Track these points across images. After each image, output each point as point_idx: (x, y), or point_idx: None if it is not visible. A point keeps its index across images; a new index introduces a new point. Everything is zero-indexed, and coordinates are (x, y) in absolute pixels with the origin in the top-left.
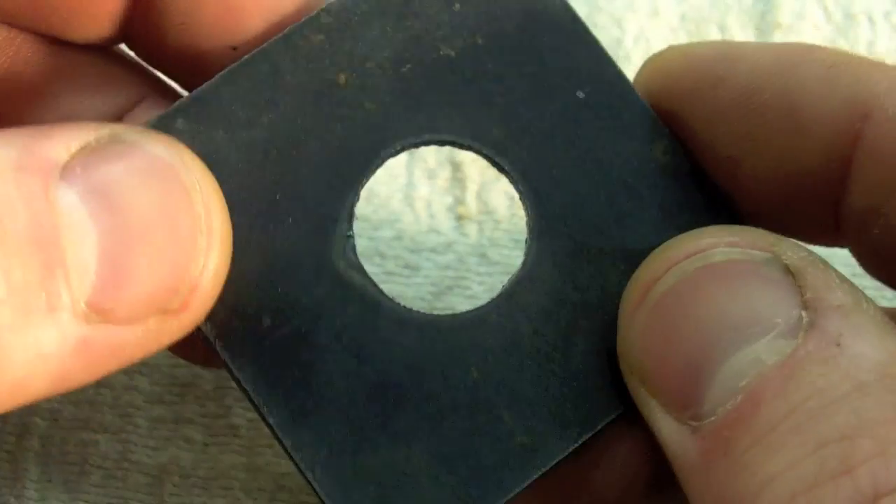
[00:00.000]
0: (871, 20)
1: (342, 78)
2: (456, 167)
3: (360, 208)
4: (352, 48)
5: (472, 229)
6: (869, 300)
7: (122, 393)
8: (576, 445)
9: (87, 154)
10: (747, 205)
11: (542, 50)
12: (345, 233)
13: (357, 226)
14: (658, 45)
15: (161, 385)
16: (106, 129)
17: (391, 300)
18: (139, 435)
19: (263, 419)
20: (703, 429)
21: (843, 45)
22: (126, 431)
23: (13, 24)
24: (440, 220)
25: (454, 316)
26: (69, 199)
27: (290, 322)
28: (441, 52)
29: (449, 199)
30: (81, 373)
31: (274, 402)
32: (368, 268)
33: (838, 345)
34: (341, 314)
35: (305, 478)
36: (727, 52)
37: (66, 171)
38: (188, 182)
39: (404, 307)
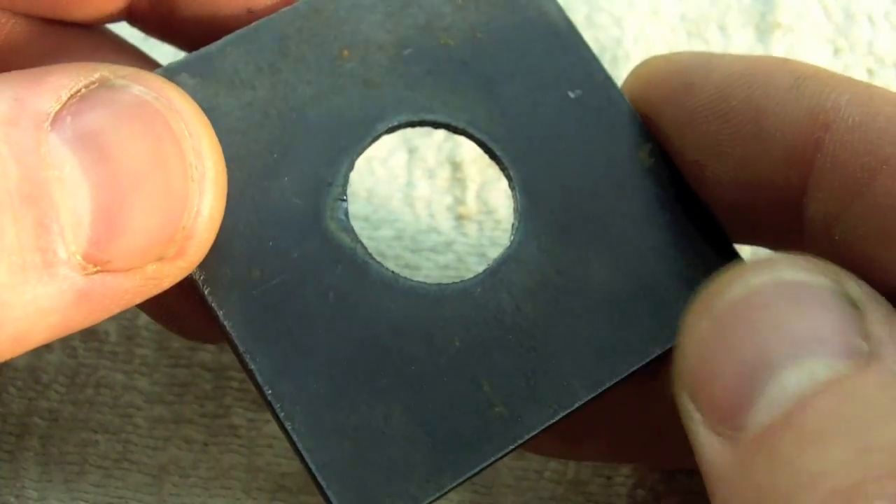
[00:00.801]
0: (871, 20)
1: (345, 53)
2: (456, 167)
3: (360, 208)
4: (356, 28)
5: (472, 229)
6: None
7: (122, 393)
8: (552, 421)
9: (77, 101)
10: (714, 208)
11: (537, 50)
12: (338, 196)
13: (357, 226)
14: (658, 45)
15: (161, 385)
16: (96, 74)
17: (379, 264)
18: (139, 435)
19: (246, 368)
20: (746, 436)
21: (843, 44)
22: (126, 431)
23: (12, 9)
24: (440, 220)
25: (440, 286)
26: (60, 152)
27: (279, 276)
28: (441, 41)
29: (449, 199)
30: (82, 321)
31: (258, 351)
32: None
33: (895, 374)
34: (329, 273)
35: (284, 428)
36: (704, 61)
37: (55, 120)
38: (177, 128)
39: (392, 272)
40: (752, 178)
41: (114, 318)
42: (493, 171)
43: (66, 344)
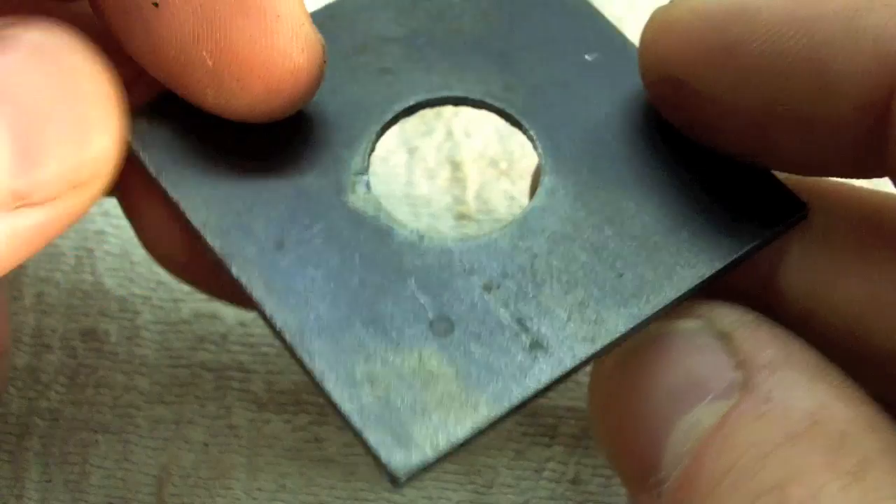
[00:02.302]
0: None
1: (361, 48)
2: (456, 167)
3: None
4: (369, 27)
5: (471, 229)
6: (805, 350)
7: (122, 393)
8: (591, 354)
9: None
10: (777, 165)
11: (550, 23)
12: (359, 171)
13: None
14: None
15: (161, 385)
16: None
17: (403, 226)
18: (139, 435)
19: (274, 331)
20: (663, 495)
21: None
22: (126, 431)
23: None
24: (440, 220)
25: (465, 240)
26: None
27: (304, 245)
28: (453, 26)
29: (449, 199)
30: (15, 257)
31: (286, 314)
32: None
33: (769, 400)
34: (354, 238)
35: (316, 383)
36: (739, 11)
37: None
38: (71, 61)
39: (418, 233)
40: (822, 130)
41: (114, 319)
42: (492, 171)
43: (66, 344)
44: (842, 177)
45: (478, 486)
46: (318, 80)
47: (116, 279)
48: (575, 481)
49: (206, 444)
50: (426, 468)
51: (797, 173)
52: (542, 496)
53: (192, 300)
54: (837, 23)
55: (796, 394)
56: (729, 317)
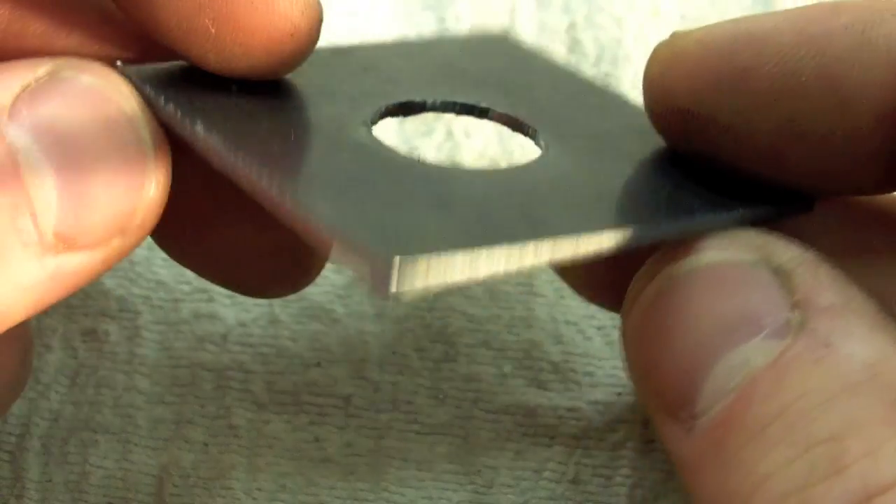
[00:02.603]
0: None
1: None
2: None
3: None
4: (376, 62)
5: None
6: (863, 296)
7: (122, 393)
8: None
9: (30, 94)
10: (795, 186)
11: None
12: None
13: None
14: None
15: (161, 385)
16: (42, 68)
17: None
18: (140, 435)
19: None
20: (697, 429)
21: None
22: (126, 431)
23: None
24: None
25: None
26: (22, 140)
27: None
28: (458, 68)
29: None
30: (54, 297)
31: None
32: None
33: (828, 345)
34: (351, 150)
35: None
36: (745, 36)
37: (13, 112)
38: (128, 108)
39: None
40: (839, 146)
41: (114, 319)
42: None
43: (66, 344)
44: (861, 194)
45: (478, 486)
46: (316, 39)
47: (116, 279)
48: (575, 481)
49: (206, 444)
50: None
51: (811, 193)
52: (542, 496)
53: (192, 300)
54: (848, 37)
55: (856, 342)
56: (788, 253)
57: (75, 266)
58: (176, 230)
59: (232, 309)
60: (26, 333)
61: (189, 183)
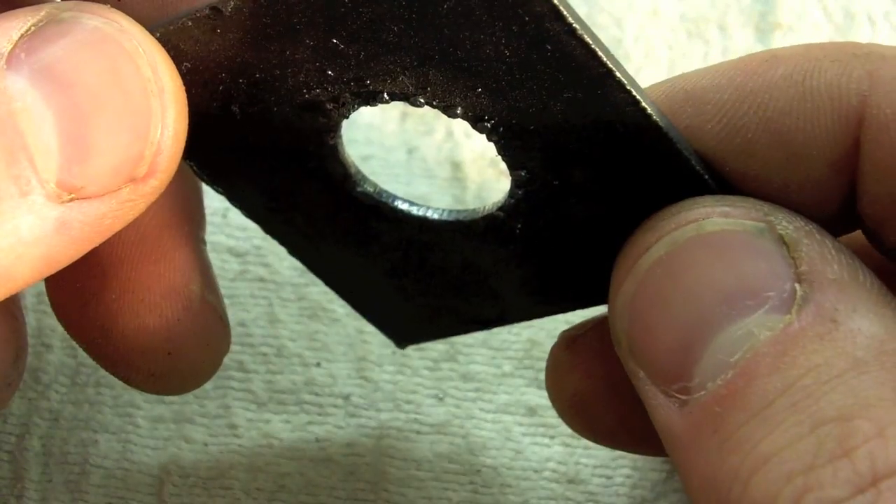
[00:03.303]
0: (871, 20)
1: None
2: (456, 167)
3: None
4: None
5: None
6: (868, 272)
7: (122, 393)
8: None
9: (28, 39)
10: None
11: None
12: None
13: None
14: (658, 45)
15: None
16: (42, 12)
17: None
18: (139, 435)
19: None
20: (692, 403)
21: None
22: (126, 431)
23: None
24: None
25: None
26: (20, 86)
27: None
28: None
29: (449, 199)
30: (66, 252)
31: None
32: None
33: (834, 320)
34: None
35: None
36: (684, 97)
37: (10, 59)
38: (130, 47)
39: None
40: (796, 198)
41: None
42: (492, 171)
43: (66, 344)
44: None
45: (477, 486)
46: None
47: None
48: (575, 481)
49: (205, 444)
50: None
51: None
52: (542, 496)
53: None
54: (790, 89)
55: (863, 317)
56: (794, 223)
57: (84, 218)
58: (67, 300)
59: (231, 309)
60: (18, 333)
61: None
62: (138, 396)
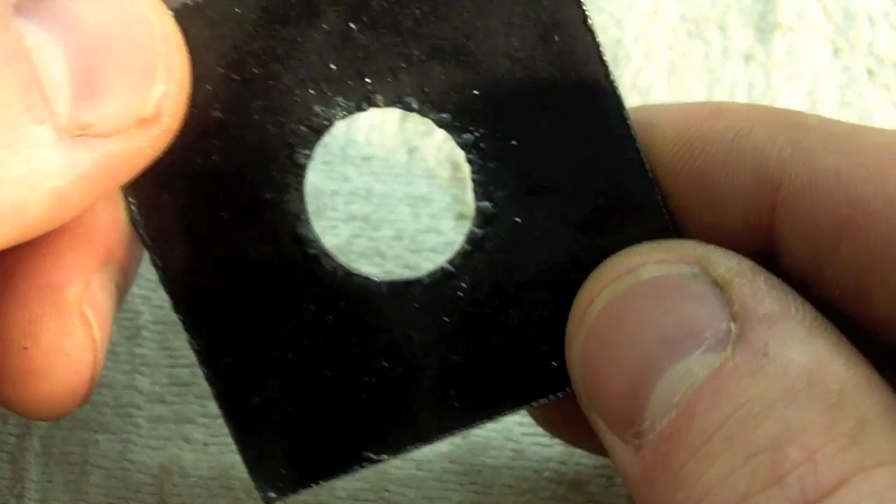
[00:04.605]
0: (871, 20)
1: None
2: (456, 167)
3: (360, 208)
4: None
5: None
6: (801, 303)
7: (122, 393)
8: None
9: None
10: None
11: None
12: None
13: (357, 226)
14: (658, 45)
15: (161, 385)
16: None
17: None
18: (139, 435)
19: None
20: (645, 446)
21: (843, 44)
22: (126, 431)
23: None
24: (440, 219)
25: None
26: (30, 28)
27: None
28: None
29: (449, 199)
30: (78, 193)
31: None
32: (368, 268)
33: (765, 354)
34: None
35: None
36: (640, 123)
37: (20, 6)
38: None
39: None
40: (724, 241)
41: (114, 319)
42: None
43: None
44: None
45: (478, 487)
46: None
47: None
48: (575, 482)
49: (205, 444)
50: None
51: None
52: (543, 496)
53: None
54: (721, 143)
55: (793, 349)
56: (726, 264)
57: (94, 155)
58: None
59: None
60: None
61: None
62: (138, 397)
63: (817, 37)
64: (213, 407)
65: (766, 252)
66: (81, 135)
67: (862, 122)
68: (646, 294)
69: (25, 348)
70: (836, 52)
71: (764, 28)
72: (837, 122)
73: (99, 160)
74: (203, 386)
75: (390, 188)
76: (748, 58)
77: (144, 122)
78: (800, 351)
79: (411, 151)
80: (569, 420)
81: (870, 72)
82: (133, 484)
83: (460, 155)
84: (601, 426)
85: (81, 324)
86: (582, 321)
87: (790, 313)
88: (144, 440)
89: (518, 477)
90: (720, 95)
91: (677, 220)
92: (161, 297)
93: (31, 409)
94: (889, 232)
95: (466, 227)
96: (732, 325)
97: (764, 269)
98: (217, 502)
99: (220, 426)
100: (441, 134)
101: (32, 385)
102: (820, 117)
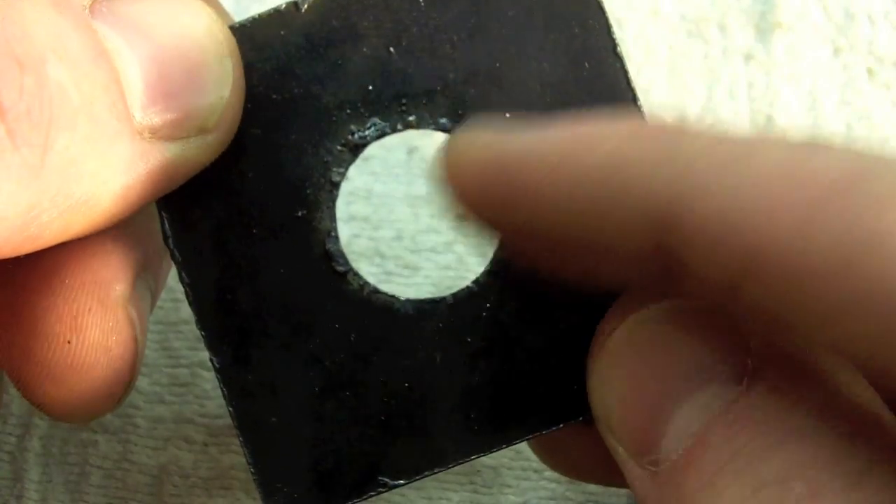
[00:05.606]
0: (871, 20)
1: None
2: None
3: (360, 208)
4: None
5: (472, 229)
6: None
7: None
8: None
9: None
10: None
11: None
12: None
13: (357, 226)
14: (658, 45)
15: (161, 385)
16: None
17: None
18: (139, 435)
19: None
20: (661, 473)
21: (843, 44)
22: (126, 431)
23: None
24: (440, 219)
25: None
26: (107, 31)
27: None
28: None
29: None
30: (139, 192)
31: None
32: (368, 268)
33: (778, 390)
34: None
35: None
36: (508, 161)
37: (93, 9)
38: (206, 13)
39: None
40: (613, 272)
41: None
42: None
43: None
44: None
45: (478, 486)
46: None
47: None
48: (575, 481)
49: (205, 444)
50: None
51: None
52: (543, 496)
53: None
54: (603, 175)
55: (806, 386)
56: None
57: (159, 157)
58: None
59: None
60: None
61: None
62: (138, 397)
63: (817, 36)
64: (212, 407)
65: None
66: (151, 138)
67: (862, 122)
68: (668, 324)
69: (69, 342)
70: (836, 51)
71: (764, 28)
72: (726, 139)
73: (162, 163)
74: (203, 386)
75: (390, 188)
76: (748, 57)
77: (205, 130)
78: (812, 389)
79: (411, 151)
80: (565, 450)
81: (870, 71)
82: (133, 484)
83: None
84: (620, 452)
85: (125, 322)
86: (604, 347)
87: (802, 352)
88: (144, 440)
89: (518, 477)
90: (720, 95)
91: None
92: (161, 298)
93: (67, 407)
94: (784, 285)
95: (467, 226)
96: (749, 361)
97: None
98: (217, 502)
99: (220, 427)
100: (441, 134)
101: (73, 381)
102: (708, 136)
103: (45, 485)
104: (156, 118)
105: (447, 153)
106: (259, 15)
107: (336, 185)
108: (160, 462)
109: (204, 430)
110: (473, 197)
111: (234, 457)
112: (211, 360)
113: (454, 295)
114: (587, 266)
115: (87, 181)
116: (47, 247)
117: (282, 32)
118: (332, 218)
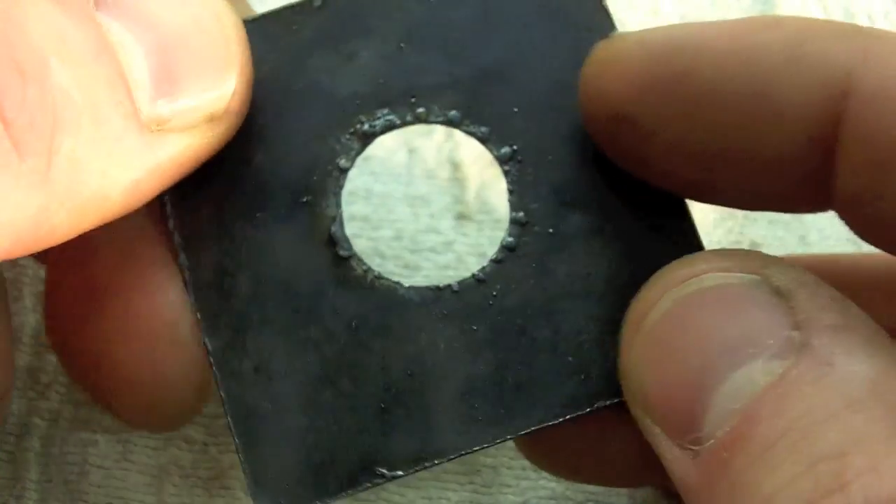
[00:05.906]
0: (871, 20)
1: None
2: (456, 167)
3: (360, 208)
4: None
5: (471, 229)
6: (863, 317)
7: None
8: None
9: None
10: (724, 196)
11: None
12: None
13: (356, 226)
14: None
15: None
16: None
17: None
18: (139, 435)
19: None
20: (704, 453)
21: None
22: (126, 431)
23: None
24: (440, 219)
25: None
26: (111, 24)
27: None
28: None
29: (449, 199)
30: (149, 184)
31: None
32: None
33: (830, 363)
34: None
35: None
36: (684, 42)
37: (99, 3)
38: (213, 3)
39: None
40: (770, 162)
41: None
42: (492, 171)
43: None
44: (785, 211)
45: (477, 486)
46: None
47: None
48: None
49: (205, 444)
50: None
51: (739, 208)
52: (542, 496)
53: None
54: (782, 52)
55: (857, 360)
56: (789, 274)
57: (167, 149)
58: (61, 324)
59: None
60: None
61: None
62: None
63: None
64: (212, 407)
65: (822, 177)
66: (158, 130)
67: None
68: (709, 301)
69: (154, 385)
70: None
71: None
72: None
73: (172, 154)
74: None
75: (390, 188)
76: None
77: (214, 118)
78: (863, 361)
79: (411, 151)
80: (557, 451)
81: None
82: (133, 484)
83: (460, 155)
84: (656, 432)
85: (197, 351)
86: (641, 326)
87: (853, 325)
88: (144, 440)
89: (518, 477)
90: None
91: (728, 146)
92: None
93: (163, 427)
94: None
95: (466, 226)
96: (796, 334)
97: (825, 283)
98: (217, 502)
99: (220, 426)
100: (441, 134)
101: (164, 414)
102: (886, 30)
103: (45, 485)
104: (163, 110)
105: (607, 51)
106: (274, 10)
107: (344, 171)
108: (160, 462)
109: (203, 430)
110: (635, 92)
111: (235, 456)
112: (204, 342)
113: (459, 282)
114: (730, 172)
115: (94, 180)
116: (60, 243)
117: (294, 27)
118: (338, 204)
